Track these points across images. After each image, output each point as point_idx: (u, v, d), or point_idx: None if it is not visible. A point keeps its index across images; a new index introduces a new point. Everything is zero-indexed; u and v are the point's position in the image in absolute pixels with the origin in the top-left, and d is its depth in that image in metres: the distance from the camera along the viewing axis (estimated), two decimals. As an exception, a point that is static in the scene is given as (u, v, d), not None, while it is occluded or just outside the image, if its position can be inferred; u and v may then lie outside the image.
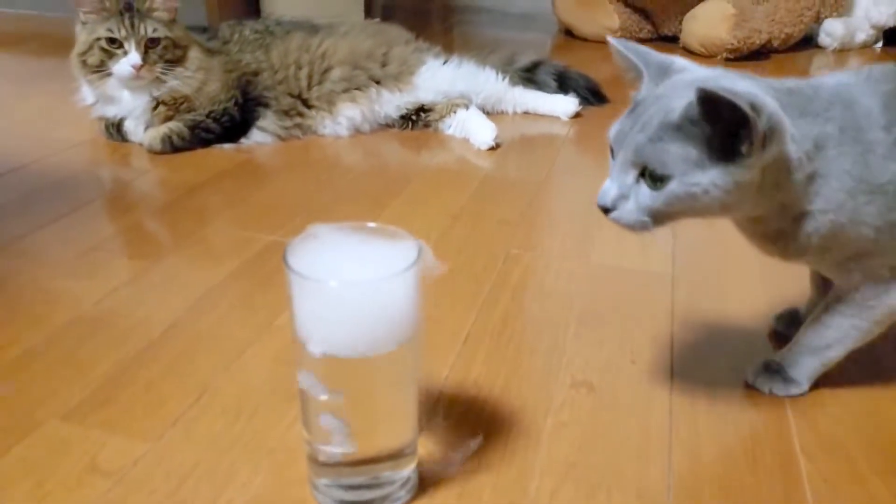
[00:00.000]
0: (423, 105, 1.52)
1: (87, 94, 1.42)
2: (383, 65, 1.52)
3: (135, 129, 1.40)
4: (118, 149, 1.40)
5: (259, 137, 1.44)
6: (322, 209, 1.17)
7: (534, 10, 2.77)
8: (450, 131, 1.50)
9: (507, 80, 1.61)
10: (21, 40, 2.22)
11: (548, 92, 1.64)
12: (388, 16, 2.52)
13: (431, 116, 1.52)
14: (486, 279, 0.96)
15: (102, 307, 0.88)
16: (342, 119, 1.48)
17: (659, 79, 0.64)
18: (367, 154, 1.42)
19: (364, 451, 0.59)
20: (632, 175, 0.62)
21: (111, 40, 1.32)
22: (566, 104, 1.59)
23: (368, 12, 2.40)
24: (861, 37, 2.29)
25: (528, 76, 1.69)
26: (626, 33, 2.32)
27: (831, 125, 0.62)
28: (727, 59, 2.11)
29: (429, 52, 1.61)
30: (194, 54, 1.40)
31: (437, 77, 1.54)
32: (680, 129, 0.59)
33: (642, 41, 2.34)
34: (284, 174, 1.31)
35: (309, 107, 1.48)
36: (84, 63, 1.35)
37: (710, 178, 0.59)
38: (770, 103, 0.58)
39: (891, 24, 2.28)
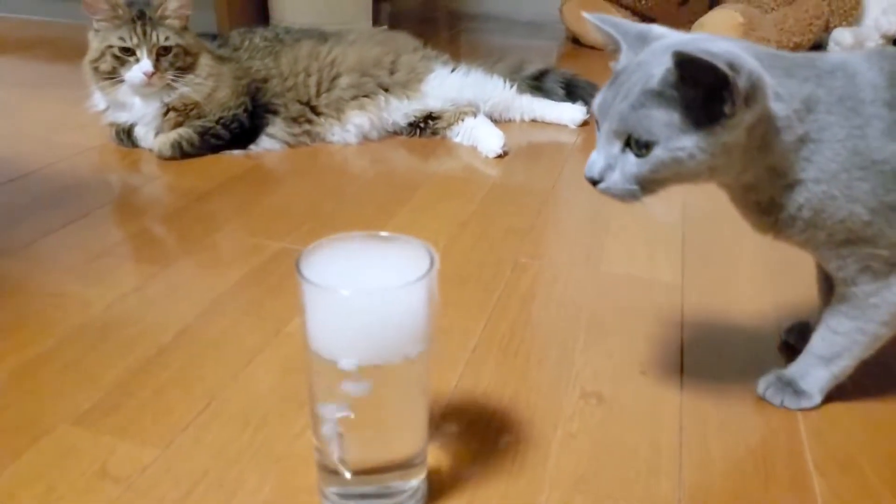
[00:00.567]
0: (431, 113, 1.52)
1: (98, 100, 1.43)
2: (392, 72, 1.53)
3: (145, 135, 1.40)
4: (128, 154, 1.40)
5: (268, 144, 1.45)
6: (330, 216, 1.17)
7: (541, 18, 2.77)
8: (457, 139, 1.51)
9: (514, 87, 1.62)
10: (31, 46, 2.24)
11: (556, 100, 1.65)
12: (395, 23, 2.53)
13: (439, 124, 1.52)
14: (494, 288, 0.96)
15: (112, 313, 0.88)
16: (351, 126, 1.48)
17: (638, 47, 0.64)
18: (375, 161, 1.42)
19: (374, 460, 0.59)
20: (617, 145, 0.62)
21: (124, 48, 1.33)
22: (574, 112, 1.60)
23: (376, 20, 2.41)
24: (870, 46, 2.28)
25: (536, 84, 1.69)
26: (634, 42, 2.32)
27: (825, 90, 0.62)
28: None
29: (437, 60, 1.61)
30: (205, 61, 1.40)
31: (446, 85, 1.54)
32: (661, 94, 0.59)
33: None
34: (293, 181, 1.31)
35: (318, 114, 1.48)
36: (96, 70, 1.36)
37: (695, 141, 0.59)
38: (749, 61, 0.58)
39: (900, 33, 2.28)
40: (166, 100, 1.38)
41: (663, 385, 0.78)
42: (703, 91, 0.57)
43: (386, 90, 1.51)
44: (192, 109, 1.39)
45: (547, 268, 1.02)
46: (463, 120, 1.50)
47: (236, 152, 1.42)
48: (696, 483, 0.65)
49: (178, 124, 1.39)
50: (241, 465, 0.66)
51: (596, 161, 0.63)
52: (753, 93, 0.58)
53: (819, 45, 2.29)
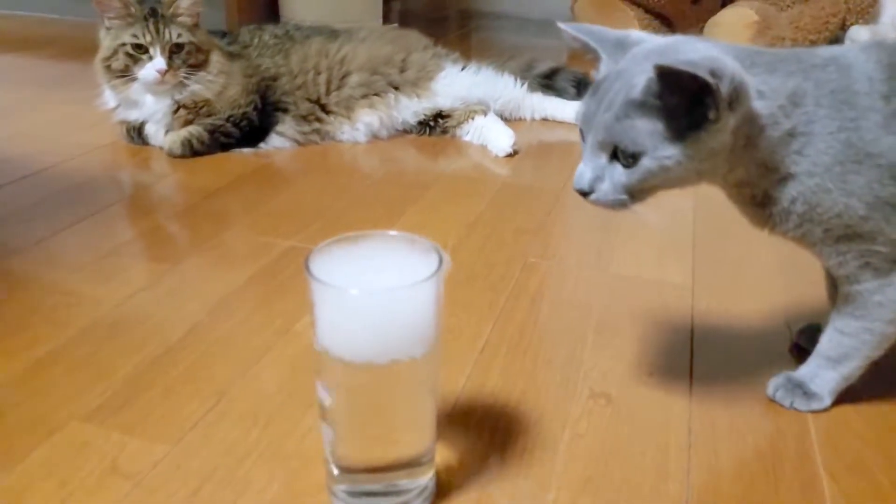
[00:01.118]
0: (441, 111, 1.52)
1: (109, 98, 1.44)
2: (402, 70, 1.53)
3: (155, 132, 1.41)
4: (139, 152, 1.41)
5: (278, 142, 1.45)
6: (339, 215, 1.17)
7: (552, 17, 2.76)
8: (467, 138, 1.50)
9: (525, 86, 1.61)
10: (43, 44, 2.25)
11: (567, 98, 1.64)
12: (406, 21, 2.53)
13: (449, 123, 1.52)
14: (503, 288, 0.96)
15: (122, 310, 0.89)
16: (360, 125, 1.49)
17: (617, 55, 0.63)
18: (385, 160, 1.42)
19: (382, 459, 0.59)
20: (604, 156, 0.62)
21: (137, 46, 1.33)
22: (585, 111, 1.59)
23: (387, 18, 2.41)
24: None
25: (547, 82, 1.68)
26: (645, 41, 2.31)
27: (813, 83, 0.62)
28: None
29: (447, 58, 1.61)
30: (216, 58, 1.41)
31: (456, 83, 1.54)
32: (644, 104, 0.59)
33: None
34: (302, 179, 1.32)
35: (327, 112, 1.48)
36: (108, 68, 1.36)
37: (681, 148, 0.59)
38: (730, 64, 0.58)
39: (916, 31, 2.26)
40: (177, 97, 1.38)
41: (672, 386, 0.78)
42: (686, 99, 0.58)
43: (396, 88, 1.51)
44: (202, 107, 1.40)
45: (556, 268, 1.02)
46: (473, 118, 1.50)
47: (246, 150, 1.43)
48: (705, 485, 0.65)
49: (189, 122, 1.40)
50: (250, 463, 0.66)
51: (584, 173, 0.63)
52: (737, 96, 0.58)
53: (835, 44, 2.28)
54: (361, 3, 2.32)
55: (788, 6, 2.14)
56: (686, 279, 0.99)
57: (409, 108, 1.51)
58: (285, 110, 1.46)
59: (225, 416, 0.72)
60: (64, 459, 0.66)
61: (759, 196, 0.65)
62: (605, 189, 0.62)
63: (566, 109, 1.60)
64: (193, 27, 1.38)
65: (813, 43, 2.14)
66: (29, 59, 2.09)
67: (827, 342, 0.73)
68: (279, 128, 1.45)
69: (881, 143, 0.61)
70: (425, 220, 1.16)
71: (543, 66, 1.71)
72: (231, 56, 1.45)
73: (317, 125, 1.48)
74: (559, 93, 1.66)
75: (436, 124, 1.53)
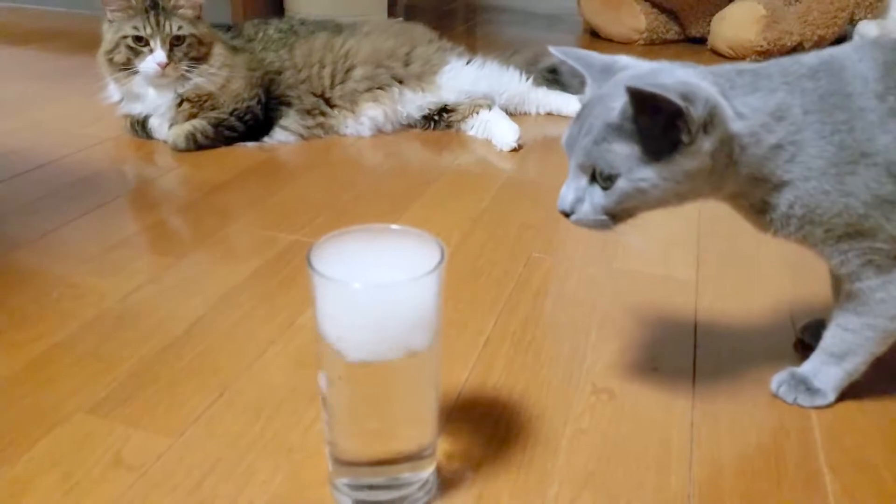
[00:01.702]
0: (445, 105, 1.52)
1: (113, 91, 1.44)
2: (406, 64, 1.52)
3: (159, 126, 1.41)
4: (143, 146, 1.41)
5: (281, 136, 1.45)
6: (343, 209, 1.17)
7: (559, 11, 2.76)
8: (472, 132, 1.50)
9: (530, 80, 1.61)
10: (49, 37, 2.25)
11: (572, 93, 1.64)
12: (411, 15, 2.53)
13: (454, 117, 1.51)
14: (507, 283, 0.96)
15: (127, 304, 0.89)
16: (364, 119, 1.48)
17: (602, 80, 0.65)
18: (389, 154, 1.42)
19: (384, 452, 0.59)
20: (584, 178, 0.63)
21: (137, 38, 1.33)
22: (590, 106, 1.59)
23: (391, 12, 2.41)
24: None
25: (552, 77, 1.68)
26: (652, 34, 2.30)
27: (799, 94, 0.62)
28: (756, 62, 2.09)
29: (452, 52, 1.61)
30: (218, 52, 1.41)
31: (460, 77, 1.53)
32: (621, 128, 0.60)
33: (669, 43, 2.34)
34: (306, 174, 1.32)
35: (331, 106, 1.48)
36: (111, 61, 1.37)
37: (657, 171, 0.60)
38: (704, 89, 0.59)
39: (925, 26, 2.24)
40: (180, 91, 1.38)
41: (675, 382, 0.77)
42: (661, 122, 0.58)
43: (400, 82, 1.51)
44: (206, 101, 1.40)
45: (560, 263, 1.02)
46: (478, 113, 1.49)
47: (250, 144, 1.43)
48: (707, 480, 0.65)
49: (193, 116, 1.40)
50: (253, 456, 0.66)
51: (566, 194, 0.65)
52: (711, 119, 0.59)
53: (843, 38, 2.26)
54: (367, -3, 2.31)
55: (797, 0, 2.13)
56: (690, 275, 0.99)
57: (414, 102, 1.51)
58: (289, 104, 1.46)
59: (229, 408, 0.72)
60: (68, 451, 0.66)
61: (758, 204, 0.66)
62: (585, 210, 0.64)
63: (571, 104, 1.60)
64: (195, 20, 1.38)
65: (821, 38, 2.13)
66: (35, 52, 2.10)
67: (830, 338, 0.73)
68: (283, 122, 1.45)
69: (877, 142, 0.61)
70: (429, 215, 1.16)
71: (549, 61, 1.70)
72: (235, 50, 1.45)
73: (321, 119, 1.48)
74: (564, 87, 1.66)
75: (440, 118, 1.53)
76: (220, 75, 1.40)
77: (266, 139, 1.44)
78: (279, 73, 1.46)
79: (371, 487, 0.60)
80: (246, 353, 0.81)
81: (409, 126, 1.54)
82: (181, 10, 1.36)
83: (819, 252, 0.68)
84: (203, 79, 1.38)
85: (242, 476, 0.64)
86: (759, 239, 0.69)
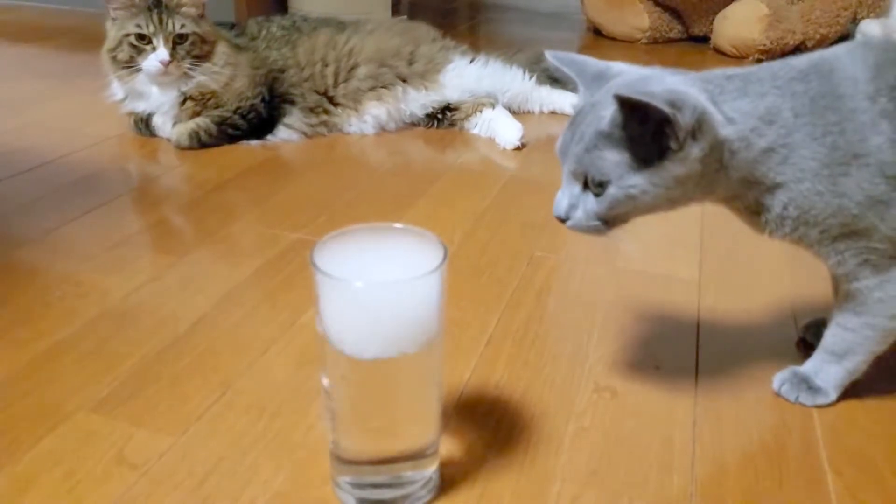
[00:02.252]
0: (449, 104, 1.52)
1: (116, 89, 1.44)
2: (410, 63, 1.52)
3: (163, 124, 1.41)
4: (146, 144, 1.42)
5: (285, 134, 1.45)
6: (346, 208, 1.17)
7: (562, 9, 2.75)
8: (475, 130, 1.50)
9: (533, 79, 1.61)
10: (53, 35, 2.26)
11: (575, 92, 1.63)
12: (414, 14, 2.53)
13: (457, 115, 1.51)
14: (509, 282, 0.96)
15: (130, 302, 0.89)
16: (368, 117, 1.48)
17: (595, 87, 0.65)
18: (392, 153, 1.42)
19: (386, 451, 0.59)
20: (578, 185, 0.64)
21: (140, 36, 1.33)
22: (593, 104, 1.58)
23: (395, 10, 2.41)
24: (897, 38, 2.24)
25: (556, 76, 1.68)
26: (655, 33, 2.30)
27: (789, 97, 0.62)
28: (758, 61, 2.09)
29: (455, 51, 1.61)
30: (222, 50, 1.41)
31: (464, 76, 1.53)
32: (611, 135, 0.61)
33: (672, 41, 2.33)
34: (309, 172, 1.32)
35: (335, 104, 1.48)
36: (114, 59, 1.37)
37: (646, 177, 0.61)
38: (692, 96, 0.59)
39: (928, 25, 2.23)
40: (183, 89, 1.38)
41: (678, 380, 0.77)
42: (650, 129, 0.59)
43: (404, 81, 1.51)
44: (209, 99, 1.40)
45: (563, 262, 1.02)
46: (481, 111, 1.49)
47: (253, 142, 1.43)
48: (709, 479, 0.65)
49: (196, 114, 1.40)
50: (256, 454, 0.66)
51: (560, 201, 0.65)
52: (699, 126, 0.59)
53: (846, 37, 2.26)
54: (370, -5, 2.31)
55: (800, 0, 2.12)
56: (693, 274, 0.98)
57: (417, 101, 1.51)
58: (293, 102, 1.46)
59: (231, 407, 0.72)
60: (71, 449, 0.66)
61: (753, 206, 0.66)
62: (579, 216, 0.65)
63: (574, 103, 1.59)
64: (198, 18, 1.38)
65: (824, 37, 2.13)
66: (38, 50, 2.10)
67: (830, 337, 0.73)
68: (287, 120, 1.45)
69: (869, 143, 0.61)
70: (432, 213, 1.16)
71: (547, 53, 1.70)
72: (238, 48, 1.45)
73: (324, 117, 1.48)
74: (568, 86, 1.66)
75: (444, 117, 1.53)
76: (224, 73, 1.40)
77: (269, 137, 1.44)
78: (282, 71, 1.47)
79: (374, 486, 0.60)
80: (248, 351, 0.81)
81: (413, 124, 1.54)
82: (184, 9, 1.36)
83: (816, 253, 0.68)
84: (206, 77, 1.38)
85: (245, 475, 0.64)
86: (760, 239, 0.69)
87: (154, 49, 1.34)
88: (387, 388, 0.57)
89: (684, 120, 0.58)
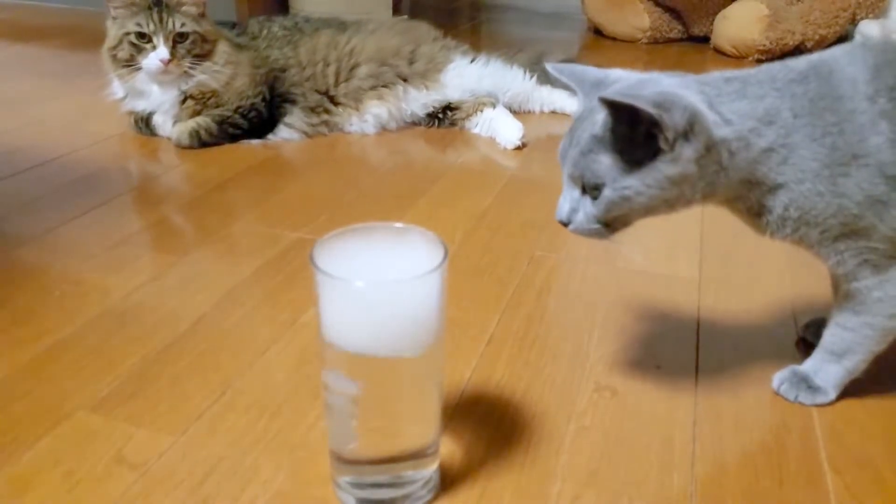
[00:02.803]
0: (449, 103, 1.52)
1: (117, 88, 1.44)
2: (411, 62, 1.52)
3: (163, 123, 1.41)
4: (147, 143, 1.42)
5: (286, 134, 1.45)
6: (347, 207, 1.17)
7: (563, 9, 2.75)
8: (476, 130, 1.50)
9: (534, 78, 1.61)
10: (54, 34, 2.26)
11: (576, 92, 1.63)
12: (416, 13, 2.52)
13: (458, 115, 1.51)
14: (510, 281, 0.96)
15: (130, 301, 0.89)
16: (369, 116, 1.48)
17: (594, 94, 0.66)
18: (393, 152, 1.42)
19: (387, 450, 0.59)
20: (577, 189, 0.65)
21: (140, 35, 1.33)
22: (593, 104, 1.58)
23: (396, 10, 2.41)
24: (897, 39, 2.24)
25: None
26: (656, 33, 2.30)
27: (788, 98, 0.62)
28: (758, 61, 2.08)
29: (456, 50, 1.61)
30: (222, 49, 1.41)
31: (465, 75, 1.53)
32: (604, 139, 0.62)
33: (673, 41, 2.33)
34: (310, 171, 1.32)
35: (336, 104, 1.48)
36: (114, 57, 1.37)
37: (639, 179, 0.61)
38: (683, 97, 0.60)
39: (928, 26, 2.23)
40: (184, 88, 1.38)
41: (678, 380, 0.77)
42: (642, 132, 0.60)
43: (405, 80, 1.51)
44: (209, 98, 1.40)
45: (563, 262, 1.02)
46: (482, 111, 1.49)
47: (254, 142, 1.43)
48: (709, 478, 0.65)
49: (196, 113, 1.40)
50: (256, 454, 0.66)
51: (562, 205, 0.66)
52: (692, 127, 0.60)
53: (845, 38, 2.26)
54: (371, -5, 2.31)
55: (799, 0, 2.12)
56: (693, 273, 0.98)
57: (418, 100, 1.51)
58: (294, 102, 1.46)
59: (231, 407, 0.72)
60: (71, 449, 0.66)
61: (755, 207, 0.66)
62: (579, 220, 0.65)
63: (575, 103, 1.59)
64: (199, 17, 1.38)
65: (823, 37, 2.13)
66: (38, 49, 2.10)
67: (830, 337, 0.73)
68: (287, 119, 1.45)
69: (868, 143, 0.61)
70: (433, 213, 1.15)
71: (553, 59, 1.70)
72: (239, 47, 1.45)
73: (325, 117, 1.48)
74: (568, 86, 1.65)
75: (444, 116, 1.53)
76: (224, 73, 1.40)
77: (270, 137, 1.44)
78: (283, 70, 1.47)
79: (374, 485, 0.60)
80: (248, 351, 0.81)
81: (414, 124, 1.54)
82: (185, 7, 1.37)
83: (816, 253, 0.68)
84: (207, 76, 1.38)
85: (245, 474, 0.64)
86: (760, 238, 0.69)
87: (154, 48, 1.34)
88: (387, 388, 0.57)
89: (672, 121, 0.58)
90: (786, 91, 0.63)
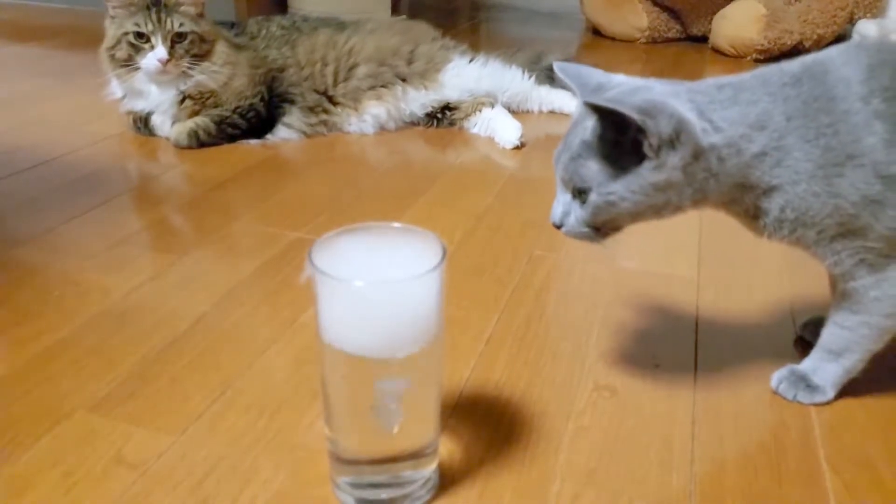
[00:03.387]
0: (448, 103, 1.52)
1: (115, 88, 1.44)
2: (409, 62, 1.52)
3: (162, 123, 1.41)
4: (146, 143, 1.42)
5: (284, 134, 1.45)
6: (346, 207, 1.17)
7: (562, 9, 2.75)
8: (475, 130, 1.50)
9: (533, 78, 1.61)
10: (53, 34, 2.26)
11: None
12: (415, 13, 2.52)
13: (457, 115, 1.52)
14: (509, 281, 0.96)
15: (130, 301, 0.89)
16: (368, 116, 1.48)
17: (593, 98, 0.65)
18: (392, 152, 1.42)
19: (386, 450, 0.59)
20: (568, 193, 0.66)
21: (138, 34, 1.33)
22: (592, 104, 1.58)
23: (395, 9, 2.41)
24: (895, 38, 2.24)
25: (555, 75, 1.67)
26: (654, 33, 2.30)
27: (781, 101, 0.63)
28: (756, 61, 2.09)
29: (455, 50, 1.61)
30: (221, 49, 1.41)
31: (463, 75, 1.53)
32: (592, 144, 0.62)
33: (671, 41, 2.34)
34: (309, 171, 1.32)
35: (335, 104, 1.48)
36: (112, 57, 1.37)
37: (624, 184, 0.62)
38: (670, 105, 0.60)
39: (926, 25, 2.23)
40: (182, 88, 1.38)
41: (677, 379, 0.78)
42: (629, 138, 0.60)
43: (403, 80, 1.51)
44: (208, 98, 1.40)
45: (563, 261, 1.02)
46: (480, 111, 1.49)
47: (253, 142, 1.43)
48: (708, 477, 0.65)
49: (195, 113, 1.40)
50: (255, 454, 0.66)
51: (556, 208, 0.67)
52: (677, 135, 0.60)
53: (843, 37, 2.26)
54: (370, -6, 2.31)
55: (797, 0, 2.13)
56: (692, 272, 0.99)
57: (417, 100, 1.51)
58: (292, 102, 1.46)
59: (231, 406, 0.72)
60: (70, 449, 0.66)
61: (751, 210, 0.67)
62: (571, 223, 0.66)
63: (574, 102, 1.60)
64: (197, 17, 1.38)
65: (821, 37, 2.13)
66: (37, 49, 2.10)
67: (828, 336, 0.73)
68: (286, 119, 1.45)
69: (862, 143, 0.62)
70: (432, 213, 1.16)
71: (551, 59, 1.70)
72: (238, 47, 1.45)
73: (324, 116, 1.48)
74: (567, 86, 1.65)
75: (443, 116, 1.53)
76: (223, 72, 1.40)
77: (269, 136, 1.44)
78: (282, 70, 1.47)
79: (373, 485, 0.60)
80: (248, 351, 0.81)
81: (413, 124, 1.54)
82: (183, 7, 1.36)
83: (813, 253, 0.68)
84: (205, 76, 1.38)
85: (244, 474, 0.64)
86: (759, 238, 0.70)
87: (153, 48, 1.34)
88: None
89: (657, 128, 0.59)
90: (779, 95, 0.63)
